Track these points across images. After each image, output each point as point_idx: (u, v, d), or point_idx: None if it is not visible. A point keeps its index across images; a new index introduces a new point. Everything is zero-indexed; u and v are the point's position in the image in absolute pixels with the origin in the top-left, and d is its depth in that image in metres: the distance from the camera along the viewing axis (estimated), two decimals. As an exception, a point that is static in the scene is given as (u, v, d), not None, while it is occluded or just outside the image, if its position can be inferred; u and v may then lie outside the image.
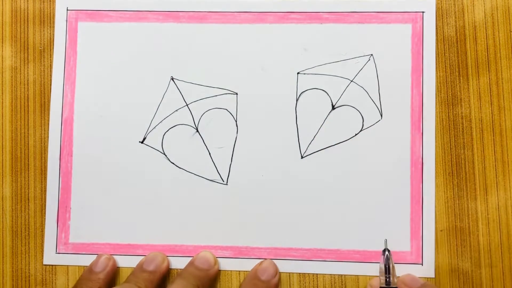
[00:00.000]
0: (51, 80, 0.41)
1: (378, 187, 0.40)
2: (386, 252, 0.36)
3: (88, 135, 0.41)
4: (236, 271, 0.40)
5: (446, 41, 0.40)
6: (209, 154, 0.40)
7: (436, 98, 0.40)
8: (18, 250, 0.40)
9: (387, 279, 0.35)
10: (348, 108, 0.40)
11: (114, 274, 0.39)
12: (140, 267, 0.38)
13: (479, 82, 0.40)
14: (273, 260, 0.39)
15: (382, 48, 0.40)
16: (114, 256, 0.40)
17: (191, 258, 0.39)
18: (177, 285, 0.36)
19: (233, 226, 0.40)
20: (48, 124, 0.41)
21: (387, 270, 0.35)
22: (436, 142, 0.40)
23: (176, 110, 0.41)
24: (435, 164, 0.40)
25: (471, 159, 0.40)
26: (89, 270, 0.38)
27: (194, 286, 0.36)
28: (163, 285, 0.39)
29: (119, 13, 0.41)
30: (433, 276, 0.39)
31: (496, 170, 0.40)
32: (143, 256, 0.40)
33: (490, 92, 0.40)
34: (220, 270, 0.40)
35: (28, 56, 0.41)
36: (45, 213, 0.40)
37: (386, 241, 0.38)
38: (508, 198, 0.39)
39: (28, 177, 0.41)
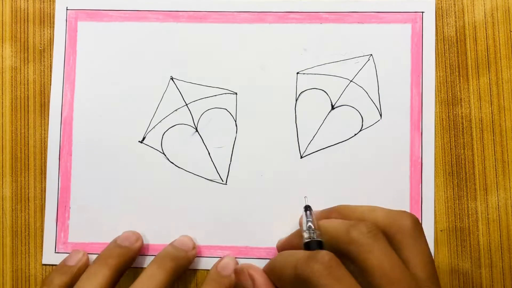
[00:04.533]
0: (51, 80, 0.41)
1: (378, 187, 0.39)
2: (308, 209, 0.35)
3: (88, 135, 0.41)
4: (236, 271, 0.40)
5: (446, 41, 0.40)
6: (209, 154, 0.40)
7: (436, 98, 0.40)
8: (18, 250, 0.40)
9: (312, 234, 0.33)
10: (347, 108, 0.40)
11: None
12: (114, 242, 0.38)
13: (479, 82, 0.40)
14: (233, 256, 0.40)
15: (382, 48, 0.40)
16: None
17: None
18: (148, 274, 0.36)
19: (233, 226, 0.40)
20: (48, 124, 0.41)
21: (311, 227, 0.34)
22: (436, 142, 0.40)
23: (176, 110, 0.41)
24: (435, 164, 0.40)
25: (471, 159, 0.40)
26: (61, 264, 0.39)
27: (168, 269, 0.36)
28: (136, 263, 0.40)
29: (119, 13, 0.41)
30: (433, 276, 0.39)
31: (496, 170, 0.39)
32: (141, 257, 0.40)
33: (490, 92, 0.40)
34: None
35: (28, 56, 0.41)
36: (45, 213, 0.40)
37: (306, 198, 0.38)
38: (508, 198, 0.39)
39: (28, 177, 0.41)
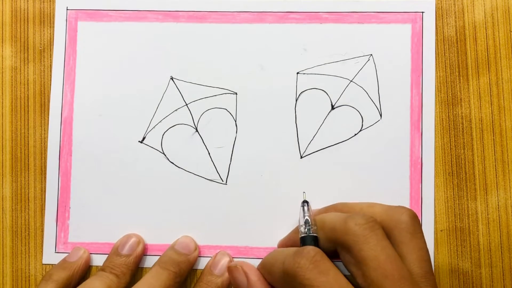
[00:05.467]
0: (51, 80, 0.41)
1: (378, 187, 0.39)
2: (306, 204, 0.36)
3: (88, 135, 0.41)
4: (236, 271, 0.40)
5: (446, 41, 0.40)
6: (209, 153, 0.40)
7: (436, 98, 0.40)
8: (18, 250, 0.40)
9: (308, 228, 0.34)
10: (347, 108, 0.40)
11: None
12: (115, 251, 0.39)
13: (479, 82, 0.40)
14: (227, 251, 0.39)
15: (382, 48, 0.40)
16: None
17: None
18: (152, 273, 0.36)
19: (233, 226, 0.40)
20: (48, 124, 0.41)
21: (307, 221, 0.35)
22: (436, 142, 0.40)
23: (176, 110, 0.41)
24: (435, 164, 0.40)
25: (471, 159, 0.40)
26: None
27: (171, 273, 0.36)
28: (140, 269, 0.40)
29: (119, 13, 0.41)
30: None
31: (496, 170, 0.39)
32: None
33: (490, 92, 0.40)
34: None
35: (28, 56, 0.41)
36: (45, 213, 0.40)
37: (304, 193, 0.38)
38: (508, 198, 0.39)
39: (28, 177, 0.41)
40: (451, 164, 0.40)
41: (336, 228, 0.31)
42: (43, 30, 0.41)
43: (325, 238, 0.32)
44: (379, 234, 0.30)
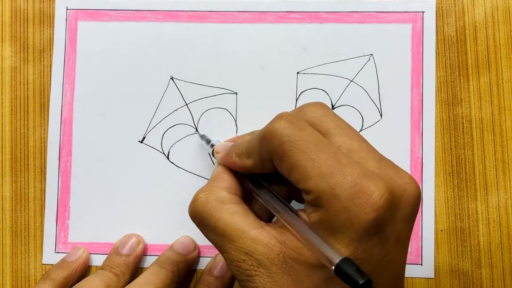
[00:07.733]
0: (50, 80, 0.41)
1: (378, 187, 0.39)
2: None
3: (88, 135, 0.41)
4: (236, 271, 0.40)
5: (446, 41, 0.40)
6: (209, 154, 0.40)
7: (436, 98, 0.40)
8: (18, 250, 0.40)
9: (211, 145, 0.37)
10: (348, 108, 0.40)
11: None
12: (115, 250, 0.39)
13: (479, 82, 0.40)
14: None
15: (382, 48, 0.40)
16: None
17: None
18: (151, 271, 0.37)
19: (233, 226, 0.40)
20: (48, 124, 0.41)
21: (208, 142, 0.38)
22: (436, 142, 0.40)
23: (176, 110, 0.41)
24: (435, 164, 0.40)
25: (471, 159, 0.40)
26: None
27: (169, 272, 0.37)
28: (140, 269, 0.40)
29: (119, 12, 0.41)
30: (433, 276, 0.39)
31: (496, 170, 0.39)
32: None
33: (490, 92, 0.40)
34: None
35: (28, 56, 0.41)
36: (44, 213, 0.40)
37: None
38: (508, 198, 0.39)
39: (28, 177, 0.41)
40: (451, 164, 0.40)
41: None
42: (43, 30, 0.41)
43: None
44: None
